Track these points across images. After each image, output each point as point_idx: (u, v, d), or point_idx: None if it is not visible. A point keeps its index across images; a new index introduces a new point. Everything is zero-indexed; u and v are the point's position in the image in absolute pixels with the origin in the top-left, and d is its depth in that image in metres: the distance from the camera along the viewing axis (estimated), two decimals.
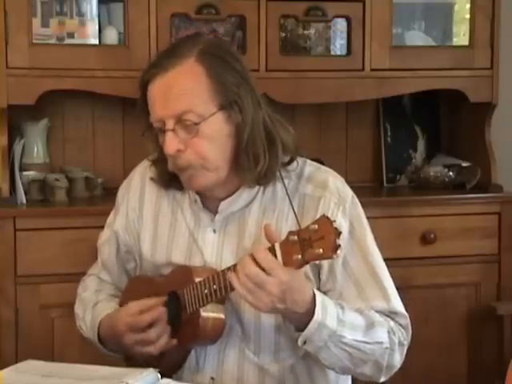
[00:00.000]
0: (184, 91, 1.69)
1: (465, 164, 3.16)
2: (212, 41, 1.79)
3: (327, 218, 1.54)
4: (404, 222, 2.92)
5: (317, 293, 1.66)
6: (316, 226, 1.54)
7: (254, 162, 1.74)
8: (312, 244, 1.53)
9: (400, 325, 1.80)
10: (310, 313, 1.64)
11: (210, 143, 1.71)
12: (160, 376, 1.61)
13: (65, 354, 2.65)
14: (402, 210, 2.95)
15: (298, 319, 1.66)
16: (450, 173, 3.13)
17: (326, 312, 1.65)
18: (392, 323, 1.78)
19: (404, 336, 1.80)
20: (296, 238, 1.55)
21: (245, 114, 1.72)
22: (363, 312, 1.74)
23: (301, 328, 1.66)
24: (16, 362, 1.75)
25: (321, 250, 1.52)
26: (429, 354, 2.96)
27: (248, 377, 1.80)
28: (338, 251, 1.52)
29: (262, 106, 1.77)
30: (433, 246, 2.94)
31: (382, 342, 1.74)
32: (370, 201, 2.89)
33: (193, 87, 1.70)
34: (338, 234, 1.52)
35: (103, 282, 2.03)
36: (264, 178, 1.77)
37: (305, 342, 1.67)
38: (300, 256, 1.54)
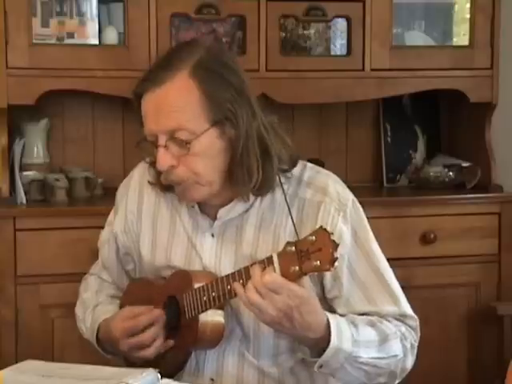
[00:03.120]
0: (175, 108, 1.66)
1: (465, 164, 3.16)
2: (209, 51, 1.72)
3: (325, 229, 1.55)
4: (404, 222, 2.92)
5: (330, 316, 1.66)
6: (314, 238, 1.54)
7: (248, 176, 1.71)
8: (309, 256, 1.53)
9: (410, 326, 1.80)
10: (326, 338, 1.64)
11: (202, 159, 1.70)
12: (160, 376, 1.61)
13: (65, 354, 2.65)
14: (401, 210, 2.95)
15: (315, 344, 1.66)
16: (450, 173, 3.13)
17: (342, 335, 1.65)
18: (403, 328, 1.78)
19: (414, 338, 1.81)
20: (293, 249, 1.56)
21: (238, 129, 1.69)
22: (375, 324, 1.74)
23: (316, 352, 1.66)
24: (16, 362, 1.74)
25: (318, 263, 1.53)
26: (429, 354, 2.95)
27: (248, 379, 1.80)
28: (336, 263, 1.53)
29: (258, 116, 1.74)
30: (433, 245, 2.94)
31: (396, 355, 1.75)
32: (370, 201, 2.88)
33: (185, 104, 1.67)
34: (336, 246, 1.52)
35: (104, 282, 2.03)
36: (259, 191, 1.75)
37: (321, 366, 1.67)
38: (297, 268, 1.55)
